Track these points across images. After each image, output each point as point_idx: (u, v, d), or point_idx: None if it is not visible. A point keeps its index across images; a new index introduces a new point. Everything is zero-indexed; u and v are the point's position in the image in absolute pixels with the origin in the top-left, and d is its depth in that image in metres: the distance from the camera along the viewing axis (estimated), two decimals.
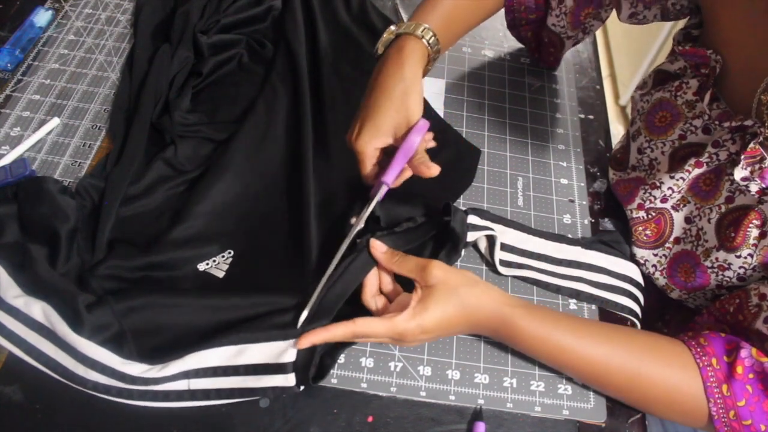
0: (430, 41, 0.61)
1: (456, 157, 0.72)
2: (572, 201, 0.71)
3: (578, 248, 0.64)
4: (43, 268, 0.54)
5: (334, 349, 0.55)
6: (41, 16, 0.79)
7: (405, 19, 0.87)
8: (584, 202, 0.71)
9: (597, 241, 0.66)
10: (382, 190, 0.58)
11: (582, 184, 0.73)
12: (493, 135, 0.76)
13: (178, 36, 0.74)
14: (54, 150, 0.67)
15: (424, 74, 0.63)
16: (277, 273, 0.61)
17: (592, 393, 0.57)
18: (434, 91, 0.79)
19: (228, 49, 0.77)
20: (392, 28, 0.63)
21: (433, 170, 0.56)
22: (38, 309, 0.52)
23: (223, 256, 0.61)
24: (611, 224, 0.70)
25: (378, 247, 0.56)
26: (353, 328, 0.51)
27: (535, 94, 0.82)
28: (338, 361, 0.56)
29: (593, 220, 0.70)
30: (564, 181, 0.73)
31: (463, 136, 0.75)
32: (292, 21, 0.81)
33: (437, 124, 0.75)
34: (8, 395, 0.51)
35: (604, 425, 0.56)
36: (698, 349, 0.51)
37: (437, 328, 0.52)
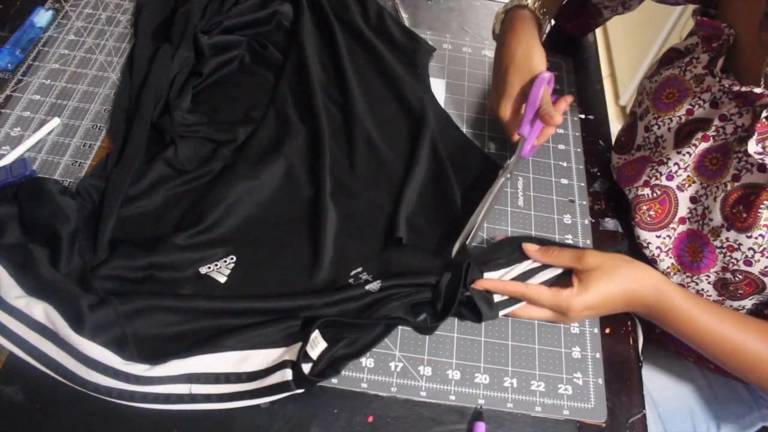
0: (536, 6, 0.70)
1: (476, 174, 0.71)
2: (572, 201, 0.71)
3: None
4: (45, 269, 0.54)
5: (338, 360, 0.55)
6: (41, 16, 0.79)
7: (405, 20, 0.88)
8: (584, 202, 0.71)
9: None
10: (521, 143, 0.66)
11: (582, 184, 0.73)
12: (493, 135, 0.76)
13: (178, 36, 0.74)
14: (54, 150, 0.67)
15: (541, 37, 0.70)
16: (280, 283, 0.60)
17: (592, 393, 0.57)
18: (434, 91, 0.79)
19: (229, 50, 0.77)
20: (500, 9, 0.73)
21: (556, 119, 0.62)
22: (40, 310, 0.52)
23: (225, 261, 0.60)
24: (611, 224, 0.70)
25: (530, 247, 0.60)
26: (524, 289, 0.57)
27: None
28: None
29: (593, 220, 0.70)
30: (564, 181, 0.73)
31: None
32: (305, 30, 0.80)
33: (458, 142, 0.74)
34: (9, 395, 0.51)
35: (604, 425, 0.56)
36: None
37: (599, 305, 0.56)
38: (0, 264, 0.55)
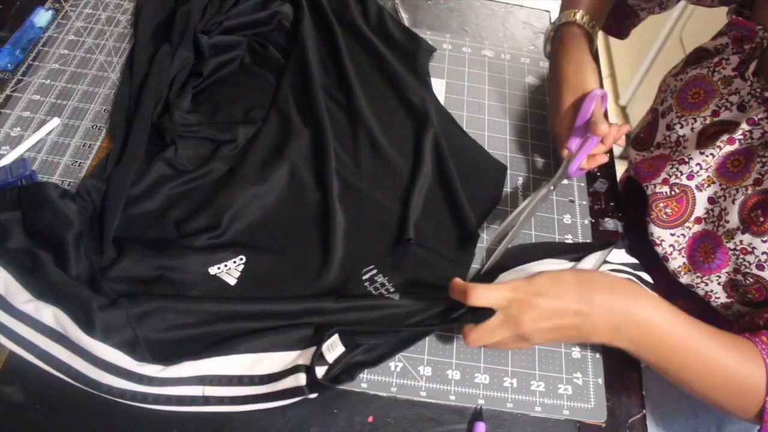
0: (584, 20, 0.69)
1: (480, 175, 0.71)
2: (572, 201, 0.71)
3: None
4: (53, 272, 0.54)
5: (354, 367, 0.55)
6: (41, 16, 0.79)
7: (405, 20, 0.88)
8: (584, 202, 0.71)
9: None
10: (567, 158, 0.65)
11: (582, 184, 0.73)
12: (493, 135, 0.76)
13: (178, 36, 0.74)
14: (54, 150, 0.67)
15: (592, 51, 0.70)
16: (291, 284, 0.60)
17: (592, 393, 0.57)
18: (434, 91, 0.79)
19: (229, 50, 0.77)
20: (549, 26, 0.73)
21: (602, 127, 0.59)
22: (49, 313, 0.52)
23: (234, 262, 0.60)
24: (611, 224, 0.70)
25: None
26: (472, 288, 0.49)
27: (535, 94, 0.82)
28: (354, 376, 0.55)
29: (593, 220, 0.70)
30: (564, 181, 0.73)
31: None
32: (306, 30, 0.80)
33: (461, 141, 0.74)
34: (9, 395, 0.51)
35: (604, 425, 0.56)
36: (763, 346, 0.52)
37: (555, 292, 0.49)
38: (6, 269, 0.54)
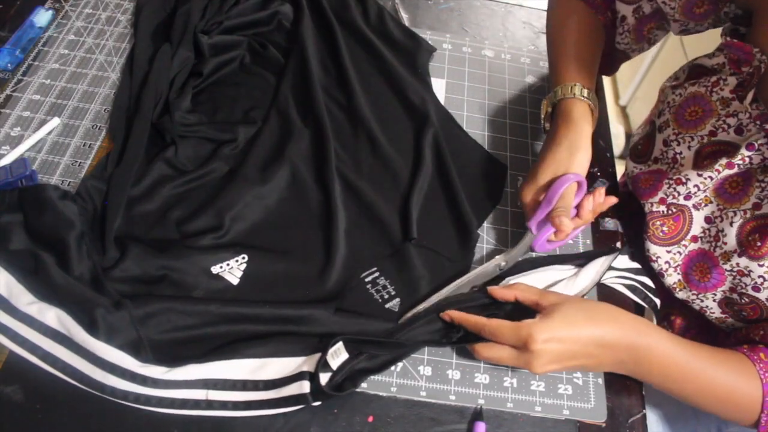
0: (584, 93, 0.65)
1: (480, 175, 0.71)
2: None
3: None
4: (57, 273, 0.54)
5: (358, 374, 0.54)
6: (41, 16, 0.79)
7: (405, 20, 0.88)
8: None
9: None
10: (527, 236, 0.62)
11: None
12: (493, 135, 0.76)
13: (178, 36, 0.74)
14: (54, 150, 0.67)
15: (593, 125, 0.66)
16: (294, 284, 0.60)
17: (592, 393, 0.57)
18: (434, 91, 0.79)
19: (229, 50, 0.77)
20: (545, 101, 0.68)
21: (562, 223, 0.56)
22: (52, 315, 0.52)
23: (237, 261, 0.60)
24: (611, 224, 0.70)
25: (495, 289, 0.57)
26: (485, 322, 0.53)
27: (535, 94, 0.82)
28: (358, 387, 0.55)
29: (593, 220, 0.70)
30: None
31: None
32: (306, 30, 0.80)
33: (461, 141, 0.74)
34: (8, 395, 0.51)
35: (604, 425, 0.56)
36: (761, 365, 0.54)
37: (566, 338, 0.51)
38: (9, 271, 0.54)
